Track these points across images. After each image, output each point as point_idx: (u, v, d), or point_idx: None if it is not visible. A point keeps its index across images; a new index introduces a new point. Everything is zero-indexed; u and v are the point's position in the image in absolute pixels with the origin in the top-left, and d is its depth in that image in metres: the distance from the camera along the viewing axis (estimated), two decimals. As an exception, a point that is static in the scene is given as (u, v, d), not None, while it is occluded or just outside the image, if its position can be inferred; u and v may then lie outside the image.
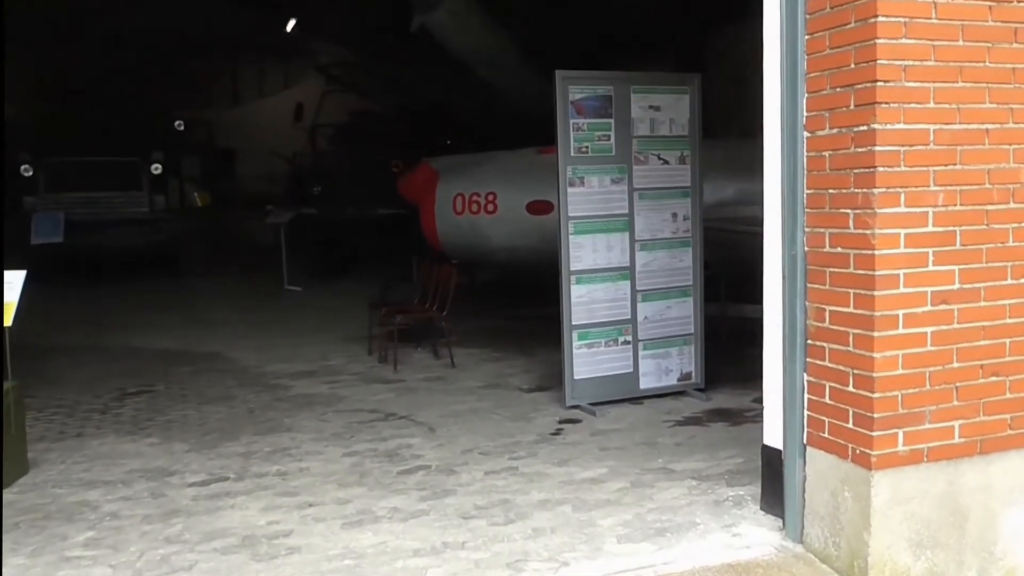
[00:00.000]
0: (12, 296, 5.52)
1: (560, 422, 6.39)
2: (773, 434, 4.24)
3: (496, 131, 14.51)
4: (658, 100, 6.73)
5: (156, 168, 15.28)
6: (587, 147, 6.54)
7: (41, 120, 16.24)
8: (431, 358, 8.62)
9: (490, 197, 9.00)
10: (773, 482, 4.26)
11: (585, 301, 6.62)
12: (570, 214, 6.52)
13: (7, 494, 5.23)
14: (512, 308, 10.83)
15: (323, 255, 15.05)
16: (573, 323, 6.60)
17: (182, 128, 16.68)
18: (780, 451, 4.14)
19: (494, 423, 6.42)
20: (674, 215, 6.83)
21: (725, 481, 4.98)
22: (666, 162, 6.79)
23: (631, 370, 6.80)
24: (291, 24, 19.65)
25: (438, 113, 15.17)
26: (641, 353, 6.82)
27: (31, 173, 14.84)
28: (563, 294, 6.57)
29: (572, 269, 6.55)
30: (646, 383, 6.84)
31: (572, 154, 6.50)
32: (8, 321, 5.53)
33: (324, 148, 16.97)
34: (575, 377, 6.63)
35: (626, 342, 6.77)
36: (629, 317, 6.77)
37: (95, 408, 7.08)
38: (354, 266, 15.25)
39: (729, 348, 7.71)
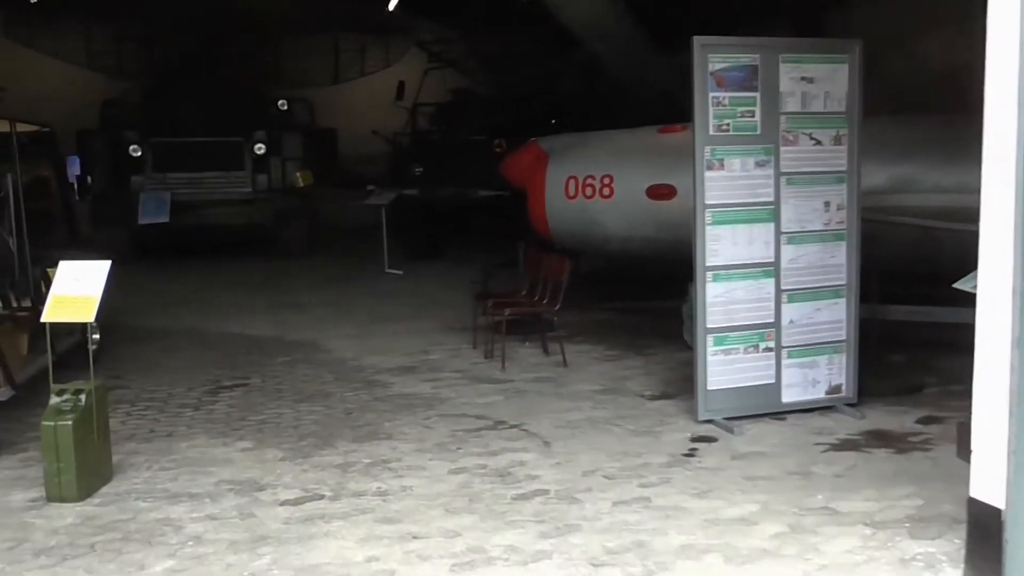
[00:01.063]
0: (94, 290, 5.06)
1: (693, 440, 5.61)
2: (987, 487, 3.39)
3: (606, 110, 13.71)
4: (811, 71, 5.82)
5: (259, 148, 14.98)
6: (728, 125, 5.69)
7: (148, 99, 16.16)
8: (540, 354, 7.94)
9: (606, 180, 8.21)
10: (984, 546, 3.41)
11: (722, 301, 5.80)
12: (707, 201, 5.70)
13: (87, 506, 4.81)
14: (622, 300, 10.07)
15: (423, 238, 14.53)
16: (708, 326, 5.79)
17: (285, 108, 16.33)
18: (999, 511, 3.29)
19: (616, 438, 5.69)
20: (827, 204, 5.92)
21: (907, 531, 4.13)
22: (818, 142, 5.88)
23: (773, 381, 5.95)
24: (393, 2, 19.20)
25: (543, 91, 14.42)
26: (785, 361, 5.96)
27: (139, 153, 14.74)
28: (696, 292, 5.77)
29: (708, 264, 5.74)
30: (790, 396, 5.98)
31: (711, 132, 5.67)
32: (90, 317, 5.08)
33: (425, 127, 16.44)
34: (709, 387, 5.83)
35: (768, 348, 5.92)
36: (772, 320, 5.91)
37: (188, 403, 6.67)
38: (454, 249, 14.72)
39: (877, 355, 6.77)
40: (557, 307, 7.50)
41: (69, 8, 18.08)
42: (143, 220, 13.94)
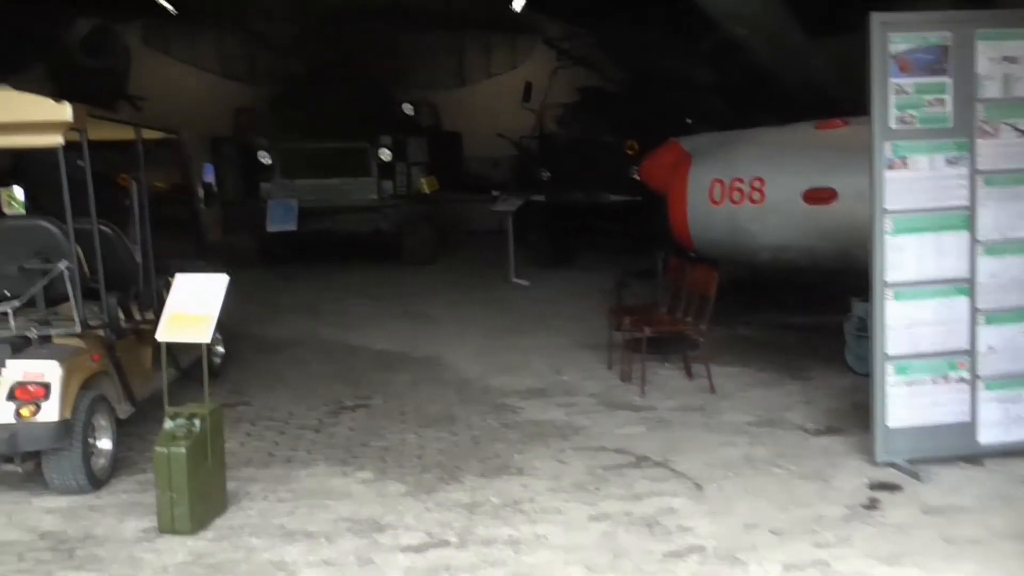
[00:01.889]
0: (210, 308, 4.72)
1: (872, 487, 4.82)
2: None
3: (747, 105, 12.80)
4: (1016, 49, 4.93)
5: (385, 153, 14.79)
6: (913, 116, 4.87)
7: (277, 106, 16.28)
8: (682, 377, 7.23)
9: (756, 184, 7.42)
10: None
11: (906, 323, 4.98)
12: (888, 207, 4.89)
13: (200, 540, 4.46)
14: (769, 314, 9.22)
15: (551, 246, 13.97)
16: (888, 352, 4.98)
17: (411, 112, 16.12)
18: None
19: (780, 482, 4.96)
20: (1035, 208, 5.02)
21: None
22: (1024, 134, 4.99)
23: (967, 418, 5.08)
24: (519, 2, 18.78)
25: (680, 87, 13.60)
26: (982, 394, 5.07)
27: (268, 160, 14.79)
28: (874, 312, 4.97)
29: (889, 280, 4.93)
30: (988, 436, 5.09)
31: (892, 125, 4.86)
32: (206, 337, 4.75)
33: (553, 129, 15.92)
34: (889, 424, 5.02)
35: (961, 379, 5.05)
36: (967, 346, 5.04)
37: (308, 425, 6.31)
38: (583, 258, 14.12)
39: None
40: (704, 326, 6.77)
41: (204, 16, 18.50)
42: (271, 228, 13.94)
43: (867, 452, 5.14)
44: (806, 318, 8.67)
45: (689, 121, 13.02)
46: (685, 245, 8.17)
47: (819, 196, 7.09)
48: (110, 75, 16.79)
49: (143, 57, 18.44)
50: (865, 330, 6.90)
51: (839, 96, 10.33)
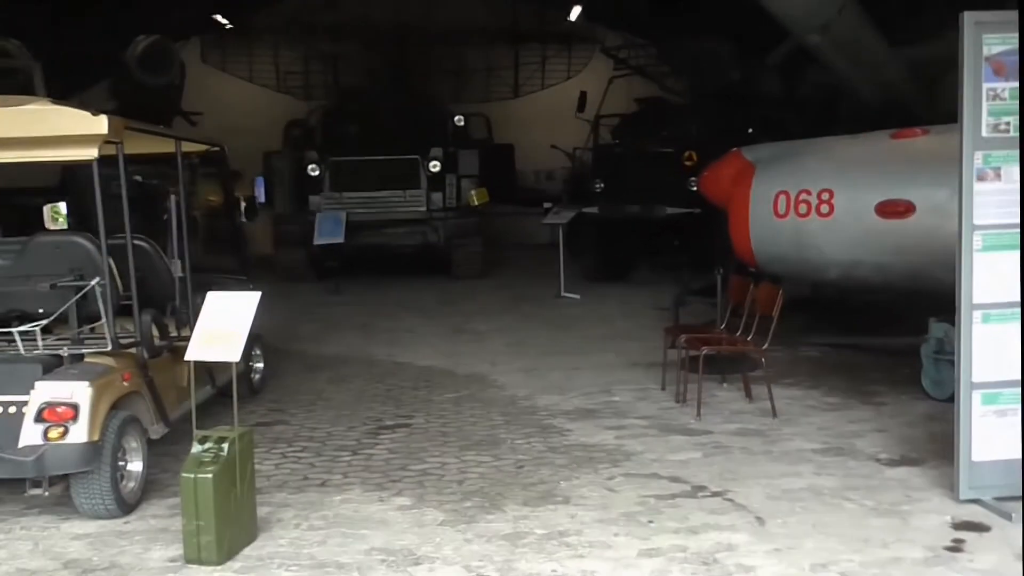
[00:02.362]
0: (240, 326, 4.49)
1: (955, 526, 4.37)
2: None
3: (812, 115, 12.33)
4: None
5: (435, 165, 14.58)
6: (1007, 124, 4.43)
7: (329, 119, 16.20)
8: (741, 399, 6.81)
9: (824, 196, 6.97)
10: None
11: (994, 348, 4.52)
12: (977, 221, 4.45)
13: (226, 572, 4.21)
14: (837, 335, 8.72)
15: (603, 259, 13.59)
16: (975, 380, 4.52)
17: (462, 124, 15.90)
18: None
19: (850, 517, 4.53)
20: None
21: None
22: None
23: (1062, 452, 4.58)
24: (575, 12, 18.53)
25: (739, 97, 13.15)
26: (1080, 427, 4.58)
27: (317, 172, 14.69)
28: (960, 336, 4.52)
29: (977, 301, 4.49)
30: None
31: (984, 134, 4.43)
32: (236, 356, 4.51)
33: (608, 140, 15.59)
34: (974, 457, 4.55)
35: (1056, 410, 4.57)
36: (1062, 373, 4.56)
37: (346, 446, 6.04)
38: (638, 272, 13.72)
39: None
40: (766, 346, 6.35)
41: (260, 31, 18.59)
42: (318, 241, 13.81)
43: (949, 486, 4.69)
44: (876, 339, 8.16)
45: (751, 131, 12.59)
46: (747, 261, 7.75)
47: (894, 209, 6.63)
48: (167, 91, 16.95)
49: (200, 75, 18.58)
50: (943, 353, 6.44)
51: (911, 106, 9.86)
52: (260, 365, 7.34)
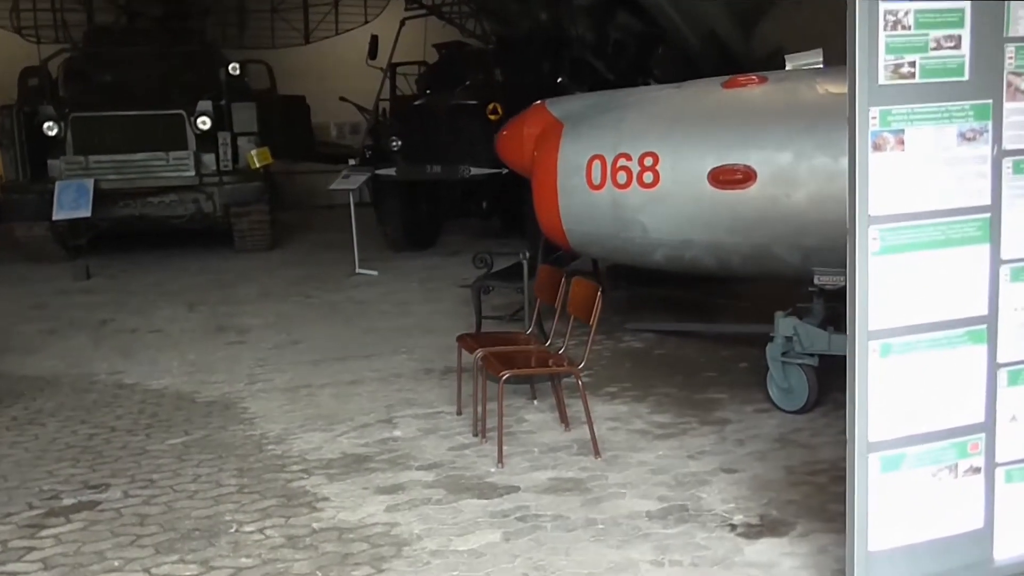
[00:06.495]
0: None
1: (855, 660, 3.01)
2: None
3: (628, 63, 11.05)
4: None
5: (204, 122, 12.25)
6: (912, 65, 3.02)
7: (74, 66, 13.42)
8: (555, 424, 5.33)
9: (647, 162, 5.51)
10: None
11: (898, 392, 3.17)
12: (873, 211, 3.04)
13: None
14: (660, 317, 7.52)
15: (407, 226, 11.93)
16: (871, 439, 3.16)
17: (237, 72, 13.53)
18: None
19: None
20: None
21: None
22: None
23: (980, 525, 3.34)
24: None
25: (547, 39, 11.65)
26: (1002, 488, 3.34)
27: (56, 131, 12.05)
28: (854, 380, 3.13)
29: (874, 328, 3.10)
30: (1007, 550, 3.36)
31: (881, 80, 2.99)
32: None
33: (404, 92, 13.75)
34: (871, 548, 3.21)
35: (974, 469, 3.30)
36: (980, 419, 3.29)
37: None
38: (446, 241, 12.21)
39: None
40: (582, 364, 4.85)
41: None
42: (58, 215, 11.36)
43: (833, 564, 3.36)
44: (712, 326, 6.96)
45: (560, 80, 11.18)
46: (558, 241, 6.24)
47: (730, 177, 5.28)
48: None
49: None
50: (791, 355, 5.29)
51: (739, 53, 8.70)
52: None
